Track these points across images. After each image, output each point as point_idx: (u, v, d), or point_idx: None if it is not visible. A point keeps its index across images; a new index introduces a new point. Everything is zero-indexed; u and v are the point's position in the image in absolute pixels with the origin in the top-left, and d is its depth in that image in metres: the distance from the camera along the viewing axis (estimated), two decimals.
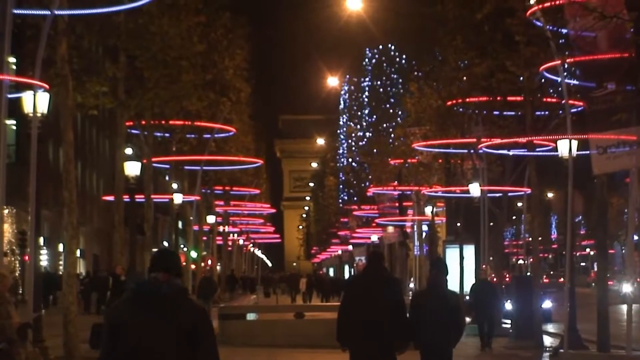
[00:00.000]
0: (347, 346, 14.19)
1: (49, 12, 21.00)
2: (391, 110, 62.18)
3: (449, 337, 15.13)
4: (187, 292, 8.68)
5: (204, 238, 64.75)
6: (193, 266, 52.53)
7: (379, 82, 68.37)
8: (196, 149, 46.07)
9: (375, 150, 67.38)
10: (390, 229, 73.71)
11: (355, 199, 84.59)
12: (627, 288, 26.74)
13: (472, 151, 38.04)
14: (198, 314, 8.28)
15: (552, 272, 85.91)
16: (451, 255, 42.71)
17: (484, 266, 39.56)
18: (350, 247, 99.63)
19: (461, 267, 41.35)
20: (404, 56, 57.73)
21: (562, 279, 61.18)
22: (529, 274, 36.22)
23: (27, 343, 15.18)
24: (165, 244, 53.06)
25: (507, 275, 43.88)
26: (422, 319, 14.96)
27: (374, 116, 69.81)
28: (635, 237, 25.66)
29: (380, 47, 64.07)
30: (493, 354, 25.15)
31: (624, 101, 23.37)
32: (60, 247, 52.32)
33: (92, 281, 47.14)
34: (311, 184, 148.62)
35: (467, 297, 31.44)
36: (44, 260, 52.45)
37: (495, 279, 35.69)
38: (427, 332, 14.82)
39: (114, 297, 23.84)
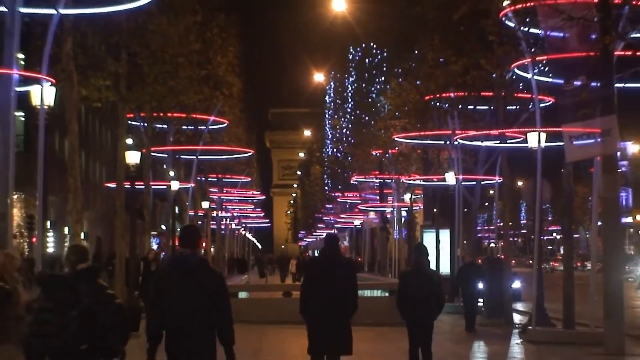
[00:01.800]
0: (310, 322, 14.55)
1: (56, 12, 20.94)
2: (373, 105, 62.11)
3: (431, 310, 16.14)
4: (208, 262, 11.11)
5: (199, 222, 64.78)
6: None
7: (360, 79, 68.47)
8: (192, 139, 46.08)
9: (355, 141, 67.58)
10: (372, 214, 73.92)
11: (339, 186, 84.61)
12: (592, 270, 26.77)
13: (448, 142, 38.08)
14: (217, 278, 10.52)
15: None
16: (428, 239, 42.68)
17: (462, 254, 39.77)
18: (334, 231, 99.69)
19: (437, 251, 41.35)
20: (385, 54, 57.59)
21: (530, 262, 61.41)
22: (500, 256, 36.19)
23: None
24: (163, 227, 53.01)
25: (480, 258, 43.99)
26: (408, 294, 16.07)
27: (357, 110, 69.82)
28: (599, 223, 25.63)
29: (363, 45, 63.92)
30: (473, 334, 25.00)
31: (590, 96, 23.42)
32: (66, 230, 52.24)
33: (94, 260, 47.17)
34: (298, 173, 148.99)
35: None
36: (50, 242, 52.50)
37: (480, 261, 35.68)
38: (412, 306, 15.96)
39: (145, 279, 23.73)
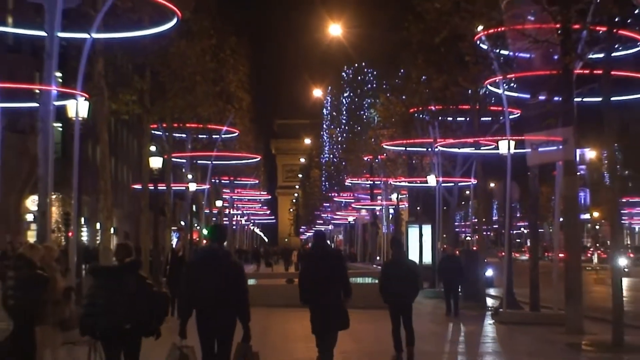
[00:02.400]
0: (307, 303, 14.69)
1: (89, 36, 20.92)
2: (364, 116, 62.06)
3: (409, 294, 16.61)
4: (231, 255, 12.41)
5: (213, 219, 64.67)
6: (205, 241, 52.42)
7: (353, 94, 68.41)
8: (207, 147, 46.10)
9: (348, 148, 67.54)
10: (364, 211, 73.88)
11: (335, 187, 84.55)
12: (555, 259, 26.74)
13: (429, 149, 38.07)
14: (238, 268, 11.67)
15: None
16: (412, 233, 42.57)
17: (442, 246, 39.70)
18: (331, 227, 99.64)
19: (420, 243, 41.34)
20: (374, 73, 57.53)
21: (501, 253, 61.27)
22: (474, 248, 36.16)
23: (70, 303, 15.09)
24: (182, 223, 52.97)
25: (457, 250, 43.89)
26: (390, 282, 16.51)
27: (351, 122, 69.74)
28: (561, 219, 25.61)
29: (356, 65, 63.86)
30: (457, 319, 24.83)
31: (552, 109, 23.41)
32: (98, 226, 51.96)
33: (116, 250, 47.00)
34: (300, 176, 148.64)
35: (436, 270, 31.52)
36: (84, 236, 52.42)
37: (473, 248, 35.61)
38: (393, 291, 16.39)
39: (173, 269, 23.68)
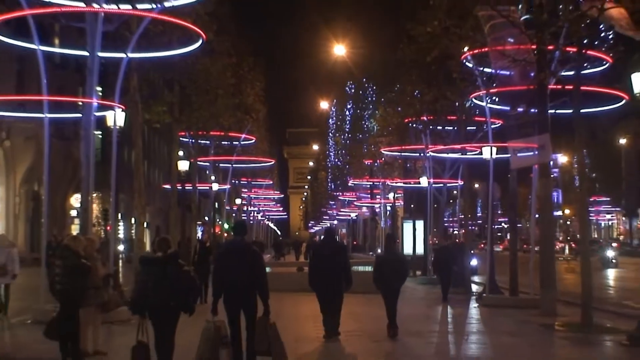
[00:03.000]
0: (315, 288, 15.91)
1: (125, 56, 20.96)
2: (365, 125, 61.97)
3: (398, 280, 16.92)
4: (252, 245, 13.20)
5: (233, 215, 64.71)
6: (225, 234, 52.45)
7: (355, 106, 68.38)
8: (228, 152, 46.17)
9: (351, 153, 67.58)
10: (364, 209, 73.84)
11: (339, 187, 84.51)
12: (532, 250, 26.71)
13: (422, 154, 38.03)
14: (258, 256, 12.43)
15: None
16: (407, 227, 42.68)
17: (432, 239, 39.62)
18: (335, 222, 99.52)
19: (414, 236, 41.38)
20: (374, 87, 57.47)
21: (481, 245, 61.16)
22: (461, 240, 36.15)
23: (109, 288, 15.14)
24: (206, 218, 53.06)
25: (445, 242, 43.85)
26: (383, 270, 16.83)
27: (353, 130, 69.69)
28: (537, 216, 25.59)
29: (357, 81, 63.77)
30: (446, 303, 24.68)
31: (529, 119, 23.40)
32: (132, 221, 52.27)
33: (154, 244, 47.08)
34: (308, 177, 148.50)
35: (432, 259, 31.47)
36: (120, 230, 52.48)
37: (459, 241, 35.55)
38: (386, 278, 16.70)
39: (201, 258, 23.67)
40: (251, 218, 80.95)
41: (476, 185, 48.24)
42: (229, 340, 11.83)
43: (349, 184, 72.05)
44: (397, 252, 18.99)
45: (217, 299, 12.09)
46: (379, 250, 57.39)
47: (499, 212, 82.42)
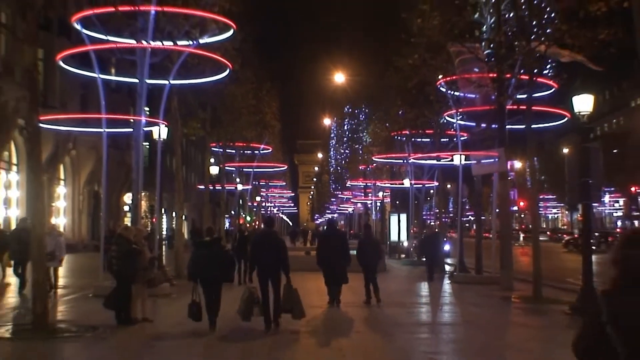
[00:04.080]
0: (321, 266, 16.58)
1: (168, 82, 20.99)
2: (359, 138, 61.99)
3: (375, 261, 17.63)
4: (278, 234, 14.39)
5: (254, 209, 64.81)
6: (247, 225, 52.52)
7: (351, 123, 68.35)
8: (250, 159, 46.19)
9: (349, 160, 67.53)
10: (359, 204, 73.68)
11: (339, 187, 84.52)
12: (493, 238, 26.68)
13: (405, 161, 38.06)
14: (282, 242, 13.44)
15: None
16: (393, 219, 42.40)
17: (412, 229, 39.54)
18: (336, 215, 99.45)
19: (399, 226, 41.32)
20: (366, 108, 57.49)
21: (452, 232, 61.06)
22: (437, 230, 36.12)
23: (154, 268, 15.15)
24: (232, 212, 53.02)
25: (424, 232, 43.79)
26: (363, 251, 17.63)
27: (350, 142, 69.73)
28: (497, 210, 25.58)
29: (353, 102, 63.75)
30: (431, 283, 24.37)
31: (491, 134, 23.40)
32: (173, 214, 52.29)
33: (191, 233, 47.18)
34: (314, 179, 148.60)
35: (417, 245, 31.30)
36: (164, 221, 52.51)
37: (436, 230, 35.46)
38: (365, 258, 17.41)
39: (240, 243, 23.56)
40: (268, 212, 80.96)
41: (448, 186, 48.39)
42: (260, 301, 12.57)
43: (347, 185, 72.09)
44: (372, 237, 19.54)
45: (252, 271, 13.22)
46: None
47: (467, 207, 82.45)
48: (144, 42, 19.23)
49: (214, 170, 39.64)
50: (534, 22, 20.04)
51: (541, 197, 79.62)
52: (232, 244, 24.87)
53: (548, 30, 19.75)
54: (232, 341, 11.70)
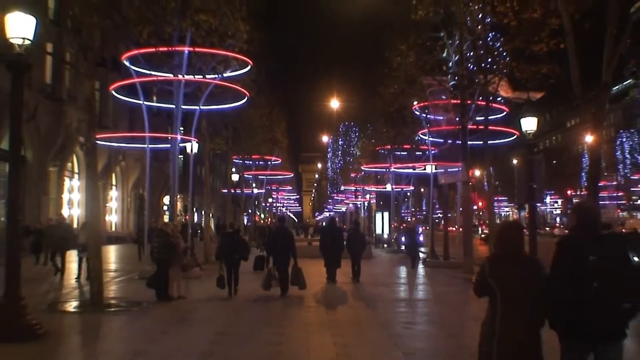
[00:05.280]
0: (322, 253, 16.90)
1: (198, 107, 21.01)
2: (351, 151, 61.94)
3: (360, 249, 17.96)
4: (288, 229, 15.65)
5: (267, 208, 64.74)
6: (262, 222, 52.50)
7: (344, 139, 68.39)
8: (263, 168, 46.15)
9: (342, 169, 67.47)
10: (351, 205, 73.54)
11: (335, 191, 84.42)
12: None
13: (387, 170, 38.07)
14: (291, 235, 14.47)
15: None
16: (378, 217, 42.46)
17: (394, 224, 39.44)
18: (332, 213, 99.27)
19: (382, 222, 41.32)
20: (356, 127, 57.46)
21: (425, 228, 60.89)
22: (415, 224, 36.39)
23: (187, 256, 15.23)
24: (249, 211, 53.01)
25: (403, 225, 43.74)
26: (351, 242, 17.81)
27: (343, 154, 69.74)
28: (461, 209, 25.59)
29: (346, 123, 63.73)
30: (417, 271, 24.23)
31: (455, 149, 23.39)
32: (202, 213, 52.22)
33: (216, 228, 47.18)
34: (315, 184, 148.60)
35: (403, 238, 31.23)
36: (195, 218, 52.34)
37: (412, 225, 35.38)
38: (353, 248, 17.66)
39: (270, 237, 23.37)
40: (278, 211, 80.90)
41: (422, 189, 48.35)
42: (277, 277, 13.83)
43: (341, 189, 71.98)
44: (360, 232, 19.74)
45: (269, 256, 14.43)
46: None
47: (437, 206, 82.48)
48: (179, 75, 19.28)
49: (235, 177, 39.73)
50: (489, 60, 20.11)
51: (496, 198, 79.38)
52: (264, 239, 24.66)
53: (501, 66, 19.83)
54: (256, 303, 13.00)
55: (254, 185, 46.88)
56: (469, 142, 21.86)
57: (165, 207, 49.75)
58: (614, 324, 4.03)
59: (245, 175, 43.12)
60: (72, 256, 18.37)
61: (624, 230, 33.30)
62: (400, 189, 39.28)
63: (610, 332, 4.05)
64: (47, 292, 14.69)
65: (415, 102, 25.29)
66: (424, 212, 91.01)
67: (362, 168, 45.45)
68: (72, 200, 36.48)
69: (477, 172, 27.30)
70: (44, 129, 31.56)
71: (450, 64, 22.58)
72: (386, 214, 41.07)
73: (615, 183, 76.29)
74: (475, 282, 4.42)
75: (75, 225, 28.89)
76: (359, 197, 59.87)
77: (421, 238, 33.88)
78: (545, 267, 4.26)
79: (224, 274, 13.61)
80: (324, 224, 21.88)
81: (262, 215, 54.14)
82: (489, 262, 4.36)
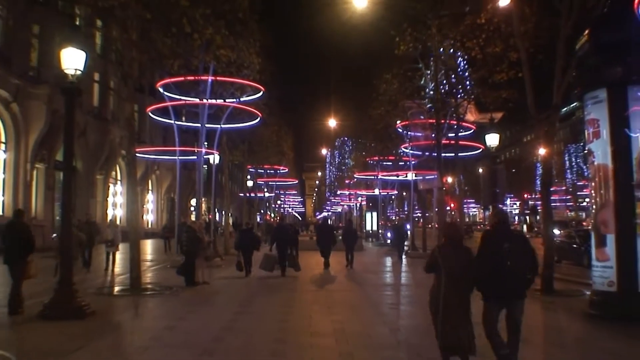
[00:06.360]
0: (319, 246, 16.96)
1: (219, 126, 21.01)
2: (345, 162, 61.90)
3: (353, 242, 17.95)
4: (292, 225, 16.46)
5: (276, 209, 64.55)
6: (272, 220, 52.40)
7: (340, 152, 68.37)
8: (273, 176, 46.03)
9: (338, 177, 67.35)
10: (346, 206, 73.45)
11: (332, 195, 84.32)
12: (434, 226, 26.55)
13: (375, 177, 38.03)
14: (295, 230, 15.42)
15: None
16: (368, 216, 42.38)
17: (382, 221, 39.32)
18: (330, 213, 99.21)
19: (371, 220, 41.21)
20: (350, 142, 57.50)
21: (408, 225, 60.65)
22: (397, 222, 36.33)
23: (210, 248, 15.21)
24: (262, 211, 52.91)
25: (389, 224, 43.68)
26: (345, 236, 18.03)
27: (339, 165, 69.72)
28: (436, 209, 25.52)
29: (341, 138, 63.73)
30: (401, 261, 23.65)
31: (431, 160, 23.36)
32: (222, 213, 52.00)
33: (234, 225, 47.07)
34: (315, 189, 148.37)
35: (388, 234, 31.04)
36: (217, 217, 52.19)
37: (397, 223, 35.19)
38: (347, 241, 17.75)
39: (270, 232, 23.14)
40: (284, 211, 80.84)
41: (404, 193, 48.33)
42: (278, 262, 14.61)
43: (337, 193, 71.87)
44: (352, 228, 19.71)
45: (272, 244, 14.84)
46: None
47: (416, 207, 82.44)
48: (204, 99, 19.30)
49: (250, 183, 39.56)
50: (460, 87, 20.16)
51: (465, 200, 79.19)
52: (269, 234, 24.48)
53: (469, 92, 19.87)
54: (263, 279, 14.07)
55: (265, 189, 46.81)
56: (442, 155, 21.86)
57: (192, 208, 49.61)
58: (520, 288, 5.26)
59: (258, 182, 43.04)
60: (98, 250, 17.91)
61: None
62: (386, 193, 39.25)
63: (518, 293, 5.25)
64: (90, 279, 14.62)
65: (398, 122, 25.30)
66: (406, 212, 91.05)
67: (355, 176, 45.42)
68: (115, 203, 36.58)
69: (450, 179, 27.29)
70: (92, 144, 31.61)
71: (427, 90, 22.62)
72: (375, 214, 40.97)
73: (564, 188, 76.74)
74: (427, 262, 5.31)
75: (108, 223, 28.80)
76: (352, 199, 59.86)
77: (408, 233, 33.87)
78: (474, 253, 5.28)
79: (241, 260, 14.77)
80: (320, 222, 21.91)
81: (272, 215, 54.02)
82: (438, 248, 5.36)
